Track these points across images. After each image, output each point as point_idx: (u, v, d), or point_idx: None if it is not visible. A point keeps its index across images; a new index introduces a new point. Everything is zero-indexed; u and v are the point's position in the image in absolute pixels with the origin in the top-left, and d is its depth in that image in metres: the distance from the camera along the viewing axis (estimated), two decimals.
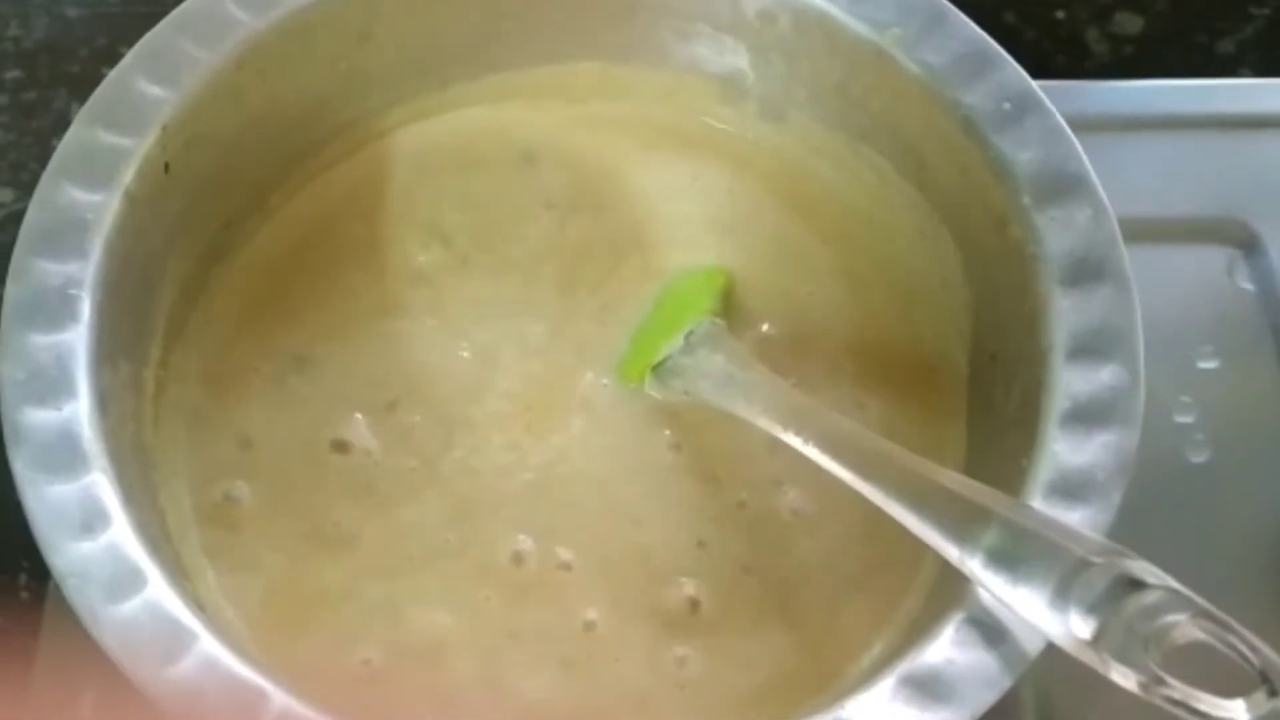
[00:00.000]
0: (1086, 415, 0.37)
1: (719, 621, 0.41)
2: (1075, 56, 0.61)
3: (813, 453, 0.39)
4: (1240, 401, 0.50)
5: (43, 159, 0.57)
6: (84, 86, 0.58)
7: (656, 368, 0.44)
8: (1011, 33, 0.62)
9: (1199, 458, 0.49)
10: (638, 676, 0.40)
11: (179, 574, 0.38)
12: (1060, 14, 0.62)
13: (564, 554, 0.42)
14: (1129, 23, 0.62)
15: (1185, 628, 0.30)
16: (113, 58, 0.59)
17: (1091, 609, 0.31)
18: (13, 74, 0.59)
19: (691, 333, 0.44)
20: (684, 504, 0.43)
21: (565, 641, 0.40)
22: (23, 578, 0.48)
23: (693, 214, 0.48)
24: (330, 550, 0.42)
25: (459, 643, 0.40)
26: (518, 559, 0.42)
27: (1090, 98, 0.57)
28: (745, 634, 0.41)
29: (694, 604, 0.41)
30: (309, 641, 0.40)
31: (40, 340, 0.37)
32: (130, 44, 0.42)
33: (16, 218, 0.55)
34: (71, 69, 0.59)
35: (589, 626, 0.41)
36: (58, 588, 0.43)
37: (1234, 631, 0.30)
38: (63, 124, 0.57)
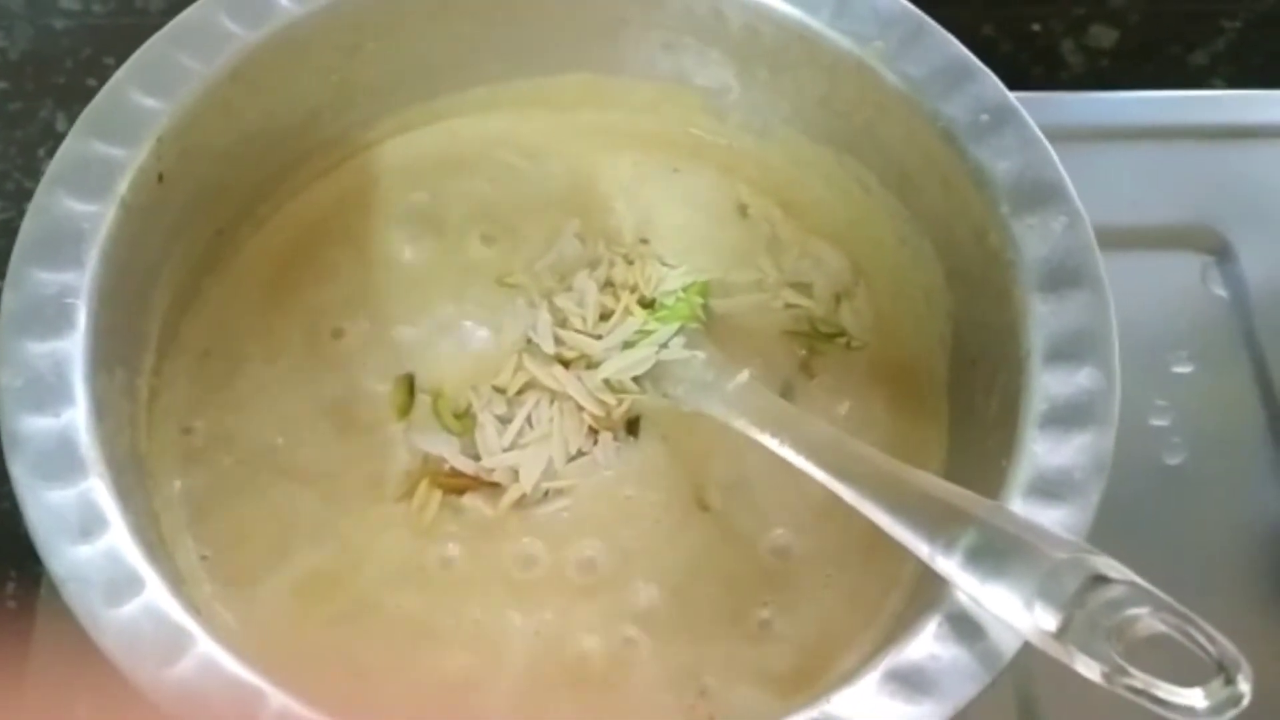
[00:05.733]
0: (1064, 417, 0.38)
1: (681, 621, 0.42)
2: (1051, 68, 0.62)
3: (789, 454, 0.40)
4: (1214, 404, 0.51)
5: (28, 170, 0.58)
6: (69, 97, 0.59)
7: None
8: (989, 45, 0.63)
9: (1174, 459, 0.50)
10: None
11: (175, 578, 0.38)
12: (1036, 27, 0.64)
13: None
14: (1104, 35, 0.63)
15: (1147, 621, 0.31)
16: (98, 68, 0.60)
17: (1058, 604, 0.32)
18: None
19: (670, 339, 0.45)
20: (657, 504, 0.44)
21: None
22: (10, 587, 0.48)
23: (678, 220, 0.49)
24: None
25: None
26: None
27: (1066, 109, 0.58)
28: (728, 637, 0.42)
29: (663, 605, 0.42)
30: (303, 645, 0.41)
31: (37, 348, 0.38)
32: (115, 55, 0.43)
33: (2, 228, 0.56)
34: (57, 80, 0.60)
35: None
36: (48, 596, 0.45)
37: (1193, 624, 0.31)
38: (48, 134, 0.58)
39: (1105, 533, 0.37)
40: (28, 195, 0.56)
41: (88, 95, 0.58)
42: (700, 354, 0.44)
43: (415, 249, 0.48)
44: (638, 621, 0.42)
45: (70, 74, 0.60)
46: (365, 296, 0.47)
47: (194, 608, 0.37)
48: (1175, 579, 0.47)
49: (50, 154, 0.57)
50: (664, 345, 0.44)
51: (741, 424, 0.41)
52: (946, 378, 0.45)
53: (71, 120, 0.58)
